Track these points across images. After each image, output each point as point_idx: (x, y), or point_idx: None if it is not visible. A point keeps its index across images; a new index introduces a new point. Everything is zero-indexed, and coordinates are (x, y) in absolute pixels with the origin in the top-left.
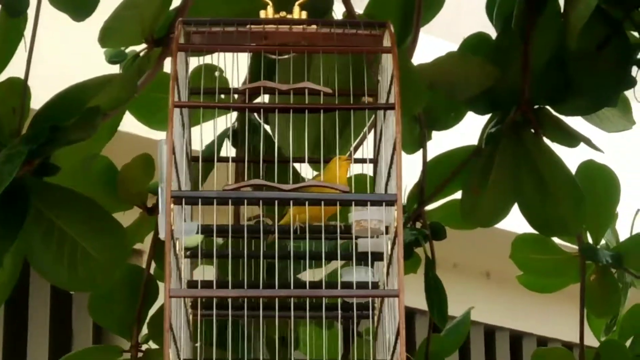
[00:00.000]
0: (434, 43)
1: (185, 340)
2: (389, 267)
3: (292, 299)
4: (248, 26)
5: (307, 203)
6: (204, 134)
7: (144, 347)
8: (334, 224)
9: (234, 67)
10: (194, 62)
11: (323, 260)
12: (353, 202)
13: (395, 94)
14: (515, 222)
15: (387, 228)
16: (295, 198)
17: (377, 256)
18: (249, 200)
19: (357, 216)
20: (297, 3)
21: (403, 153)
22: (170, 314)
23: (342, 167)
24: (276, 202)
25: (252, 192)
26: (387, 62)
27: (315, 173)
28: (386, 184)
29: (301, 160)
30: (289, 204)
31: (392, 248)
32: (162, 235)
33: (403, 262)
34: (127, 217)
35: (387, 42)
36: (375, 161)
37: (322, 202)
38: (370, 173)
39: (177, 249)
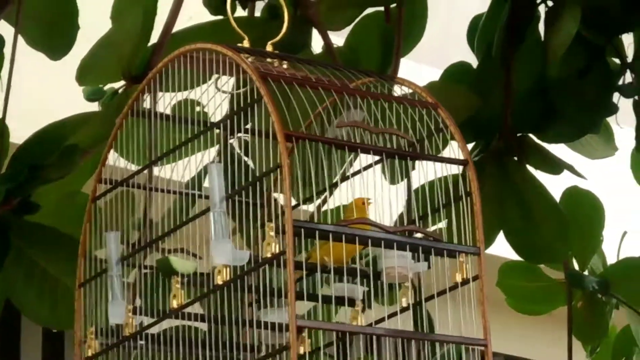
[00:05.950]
0: (423, 71)
1: None
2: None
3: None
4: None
5: (407, 247)
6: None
7: None
8: (363, 268)
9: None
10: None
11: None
12: (445, 251)
13: (465, 155)
14: (505, 248)
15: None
16: (398, 241)
17: (351, 302)
18: (360, 238)
19: (388, 263)
20: (270, 42)
21: (386, 183)
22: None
23: (363, 210)
24: (382, 242)
25: (364, 230)
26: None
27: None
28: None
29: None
30: (392, 246)
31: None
32: (221, 261)
33: (486, 310)
34: None
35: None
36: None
37: (420, 248)
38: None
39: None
